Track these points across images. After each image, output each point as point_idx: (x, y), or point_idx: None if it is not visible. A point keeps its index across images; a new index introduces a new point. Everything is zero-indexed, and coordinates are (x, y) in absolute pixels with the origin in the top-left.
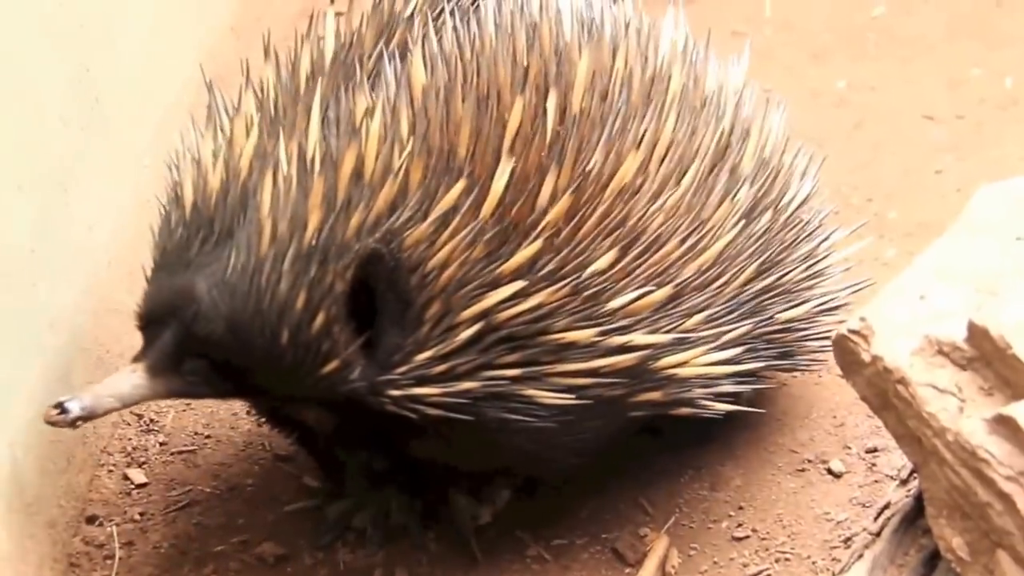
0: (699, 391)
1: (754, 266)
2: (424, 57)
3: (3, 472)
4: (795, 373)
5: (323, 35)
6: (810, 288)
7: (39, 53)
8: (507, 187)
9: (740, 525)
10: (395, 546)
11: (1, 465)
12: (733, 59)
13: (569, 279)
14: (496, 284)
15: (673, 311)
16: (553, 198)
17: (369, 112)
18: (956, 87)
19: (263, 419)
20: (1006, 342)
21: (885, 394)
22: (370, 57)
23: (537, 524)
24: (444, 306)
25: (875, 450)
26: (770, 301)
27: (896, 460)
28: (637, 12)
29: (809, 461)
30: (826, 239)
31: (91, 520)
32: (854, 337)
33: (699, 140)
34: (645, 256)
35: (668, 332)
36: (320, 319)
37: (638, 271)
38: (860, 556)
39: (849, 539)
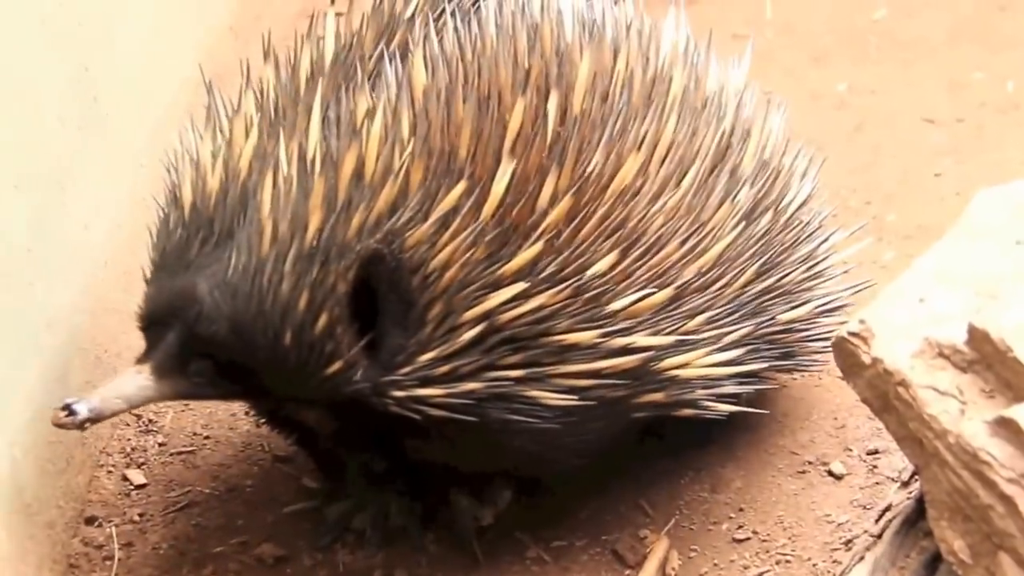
0: (701, 392)
1: (755, 267)
2: (425, 58)
3: (2, 473)
4: (796, 374)
5: (323, 35)
6: (810, 289)
7: (38, 52)
8: (507, 189)
9: (741, 527)
10: (394, 547)
11: (0, 466)
12: (734, 61)
13: (570, 281)
14: (497, 285)
15: (674, 313)
16: (554, 200)
17: (370, 113)
18: (957, 90)
19: (262, 420)
20: (1007, 345)
21: (886, 396)
22: (370, 58)
23: (537, 526)
24: (446, 307)
25: (876, 452)
26: (771, 302)
27: (897, 462)
28: (638, 13)
29: (810, 463)
30: (826, 240)
31: (90, 521)
32: (854, 339)
33: (699, 141)
34: (646, 258)
35: (670, 334)
36: (323, 320)
37: (639, 273)
38: (861, 558)
39: (850, 541)
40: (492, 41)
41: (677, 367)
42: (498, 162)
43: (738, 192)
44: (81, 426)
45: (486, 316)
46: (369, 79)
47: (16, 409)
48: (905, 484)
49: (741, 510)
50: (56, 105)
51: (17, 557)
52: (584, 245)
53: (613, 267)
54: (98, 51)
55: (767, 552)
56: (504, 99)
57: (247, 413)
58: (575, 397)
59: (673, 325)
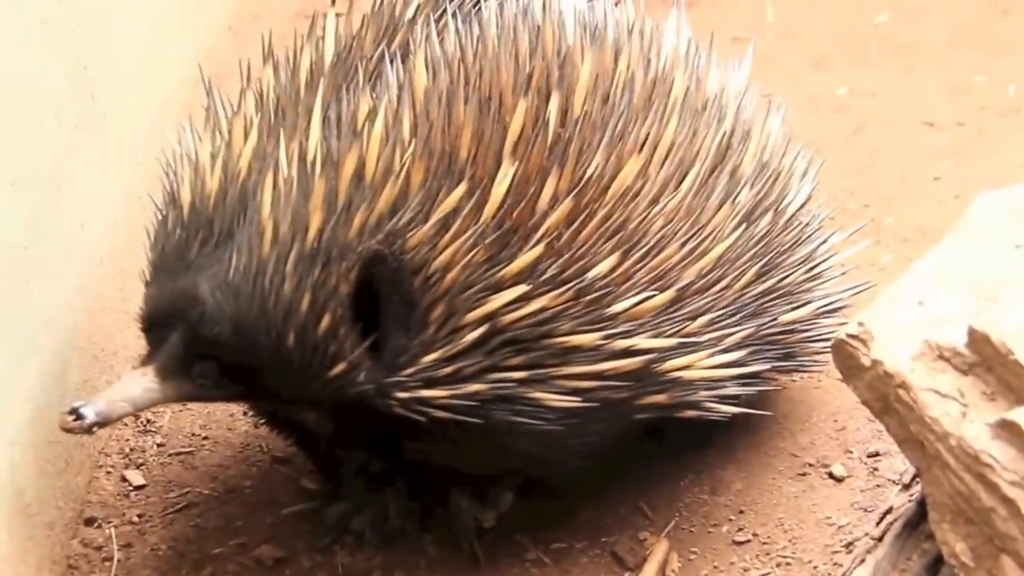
0: (704, 394)
1: (755, 269)
2: (426, 59)
3: (2, 474)
4: (796, 375)
5: (323, 36)
6: (811, 290)
7: (38, 51)
8: (508, 191)
9: (741, 529)
10: (393, 549)
11: (0, 467)
12: (734, 64)
13: (571, 283)
14: (499, 287)
15: (676, 314)
16: (554, 202)
17: (371, 114)
18: (958, 94)
19: (262, 420)
20: (1007, 348)
21: (886, 398)
22: (371, 59)
23: (536, 528)
24: (448, 308)
25: (877, 454)
26: (772, 303)
27: (898, 464)
28: (640, 15)
29: (810, 465)
30: (825, 242)
31: (89, 522)
32: (853, 342)
33: (700, 143)
34: (646, 260)
35: (671, 335)
36: (326, 321)
37: (639, 275)
38: (862, 561)
39: (851, 544)
40: (493, 43)
41: (679, 369)
42: (499, 164)
43: (738, 193)
44: (89, 430)
45: (488, 318)
46: (369, 80)
47: (15, 409)
48: (906, 486)
49: (741, 512)
50: (54, 102)
51: (17, 558)
52: (585, 247)
53: (614, 269)
54: (97, 50)
55: (767, 554)
56: (505, 101)
57: (245, 414)
58: (578, 399)
59: (675, 327)
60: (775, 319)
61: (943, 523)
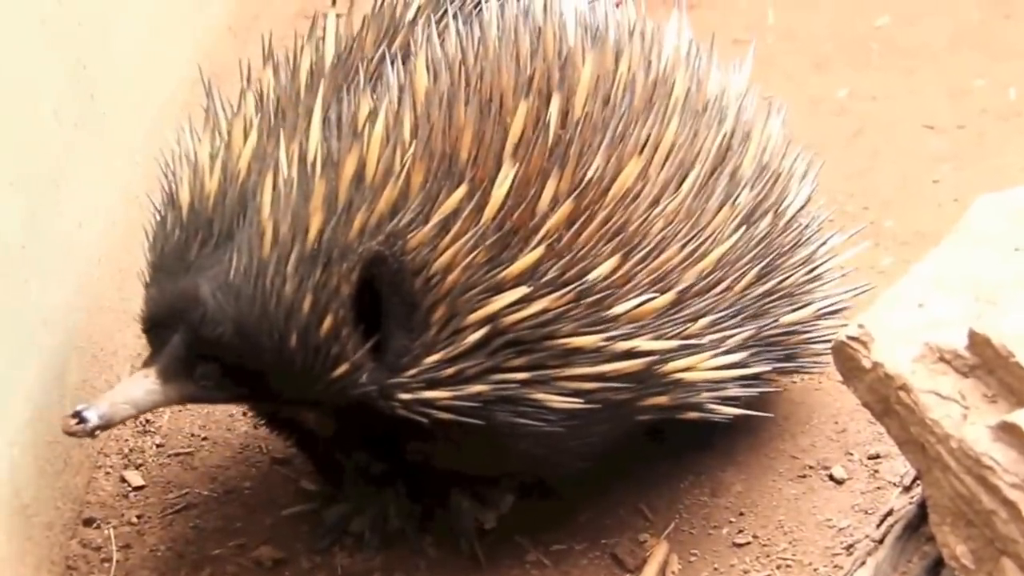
0: (706, 395)
1: (755, 270)
2: (427, 61)
3: (1, 474)
4: (797, 377)
5: (323, 36)
6: (811, 292)
7: (38, 51)
8: (508, 192)
9: (741, 531)
10: (393, 550)
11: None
12: (735, 65)
13: (572, 285)
14: (500, 289)
15: (676, 316)
16: (554, 203)
17: (371, 115)
18: (958, 97)
19: (262, 421)
20: (1008, 350)
21: (887, 400)
22: (372, 60)
23: (536, 529)
24: (450, 309)
25: (877, 456)
26: (772, 304)
27: (899, 466)
28: (640, 17)
29: (811, 467)
30: (824, 243)
31: (88, 523)
32: (854, 344)
33: (700, 144)
34: (647, 262)
35: (673, 337)
36: (328, 322)
37: (640, 276)
38: (863, 563)
39: (851, 546)
40: (494, 44)
41: (681, 370)
42: (499, 165)
43: (738, 195)
44: (92, 433)
45: (490, 319)
46: (370, 81)
47: (14, 409)
48: (907, 489)
49: (741, 514)
50: (53, 102)
51: (15, 558)
52: (585, 249)
53: (615, 271)
54: (96, 49)
55: (767, 556)
56: (506, 102)
57: (245, 414)
58: (580, 400)
59: (676, 329)
60: (776, 320)
61: (944, 525)
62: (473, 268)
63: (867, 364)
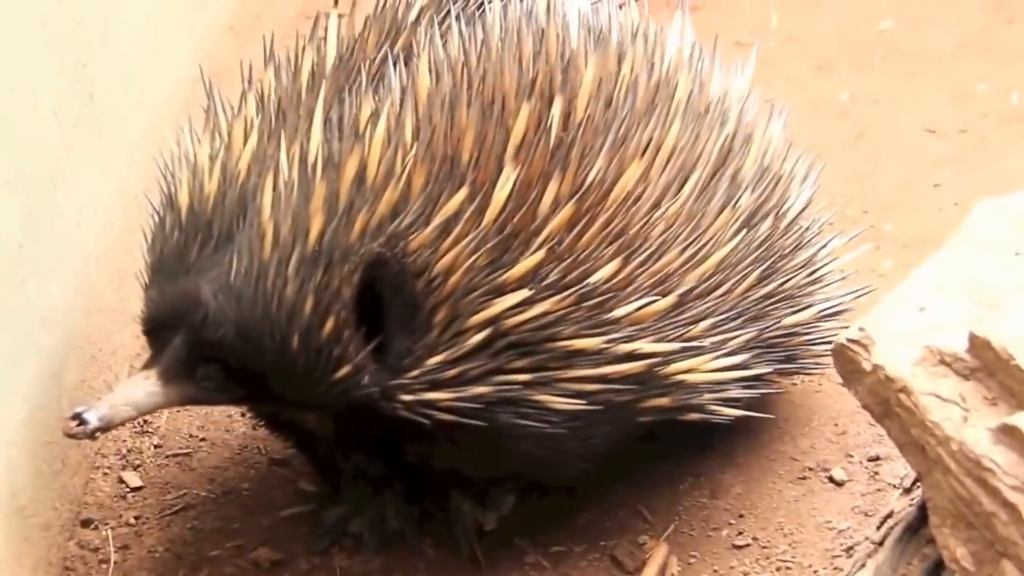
0: (707, 396)
1: (756, 273)
2: (429, 62)
3: None
4: (797, 379)
5: (325, 37)
6: (812, 294)
7: (36, 49)
8: (509, 195)
9: (741, 533)
10: (392, 551)
11: None
12: (737, 67)
13: (573, 288)
14: (501, 291)
15: (678, 319)
16: (555, 206)
17: (373, 117)
18: (961, 101)
19: (260, 422)
20: (1008, 353)
21: (887, 402)
22: (373, 61)
23: (535, 531)
24: (452, 311)
25: (877, 458)
26: (773, 307)
27: (899, 468)
28: (644, 18)
29: (810, 469)
30: (825, 246)
31: (86, 524)
32: (854, 347)
33: (702, 146)
34: (647, 264)
35: (674, 339)
36: (330, 324)
37: (641, 279)
38: (862, 565)
39: (851, 548)
40: (497, 46)
41: (683, 372)
42: (501, 168)
43: (739, 198)
44: (92, 435)
45: (492, 321)
46: (372, 82)
47: (11, 409)
48: (907, 491)
49: (741, 516)
50: (52, 101)
51: (13, 560)
52: (586, 252)
53: (616, 274)
54: (97, 48)
55: (767, 559)
56: (508, 104)
57: (243, 415)
58: (582, 401)
59: (677, 331)
60: (777, 322)
61: (944, 527)
62: (475, 270)
63: (867, 367)
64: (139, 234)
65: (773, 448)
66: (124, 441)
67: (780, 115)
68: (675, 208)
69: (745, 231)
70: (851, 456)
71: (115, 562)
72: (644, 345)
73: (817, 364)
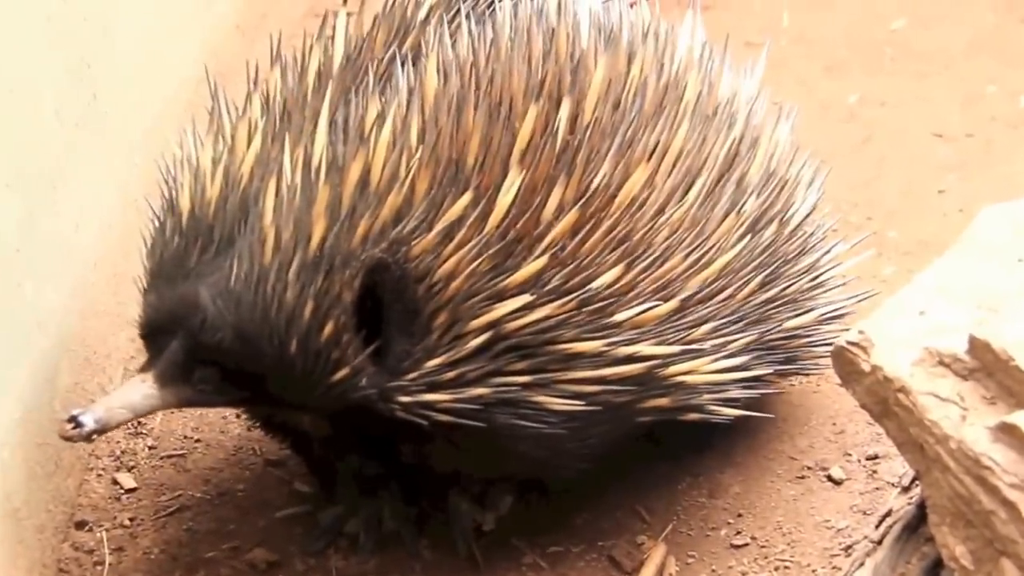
0: (707, 397)
1: (759, 278)
2: (438, 63)
3: None
4: (795, 379)
5: (333, 36)
6: (814, 298)
7: (42, 49)
8: (513, 200)
9: (739, 533)
10: (388, 552)
11: None
12: (747, 68)
13: (575, 293)
14: (502, 296)
15: (679, 322)
16: (559, 211)
17: (379, 119)
18: (969, 104)
19: (256, 424)
20: (1008, 355)
21: (885, 402)
22: (382, 60)
23: (533, 531)
24: (452, 316)
25: (876, 457)
26: (775, 310)
27: (897, 467)
28: (655, 17)
29: (809, 468)
30: (828, 252)
31: (80, 525)
32: (853, 348)
33: (708, 150)
34: (650, 270)
35: (675, 343)
36: (329, 328)
37: (643, 284)
38: (861, 564)
39: (850, 547)
40: (507, 46)
41: (683, 374)
42: (505, 172)
43: (744, 203)
44: (88, 438)
45: (492, 325)
46: (380, 82)
47: (5, 411)
48: (905, 489)
49: (740, 516)
50: (55, 101)
51: (7, 562)
52: (589, 258)
53: (618, 279)
54: (101, 47)
55: (766, 558)
56: (516, 106)
57: (238, 416)
58: (581, 402)
59: (678, 334)
60: (778, 325)
61: (943, 526)
62: (477, 276)
63: (866, 367)
64: (138, 238)
65: (771, 447)
66: (118, 442)
67: (788, 117)
68: (679, 214)
69: (749, 236)
70: (849, 455)
71: (110, 564)
72: (644, 348)
73: (816, 365)
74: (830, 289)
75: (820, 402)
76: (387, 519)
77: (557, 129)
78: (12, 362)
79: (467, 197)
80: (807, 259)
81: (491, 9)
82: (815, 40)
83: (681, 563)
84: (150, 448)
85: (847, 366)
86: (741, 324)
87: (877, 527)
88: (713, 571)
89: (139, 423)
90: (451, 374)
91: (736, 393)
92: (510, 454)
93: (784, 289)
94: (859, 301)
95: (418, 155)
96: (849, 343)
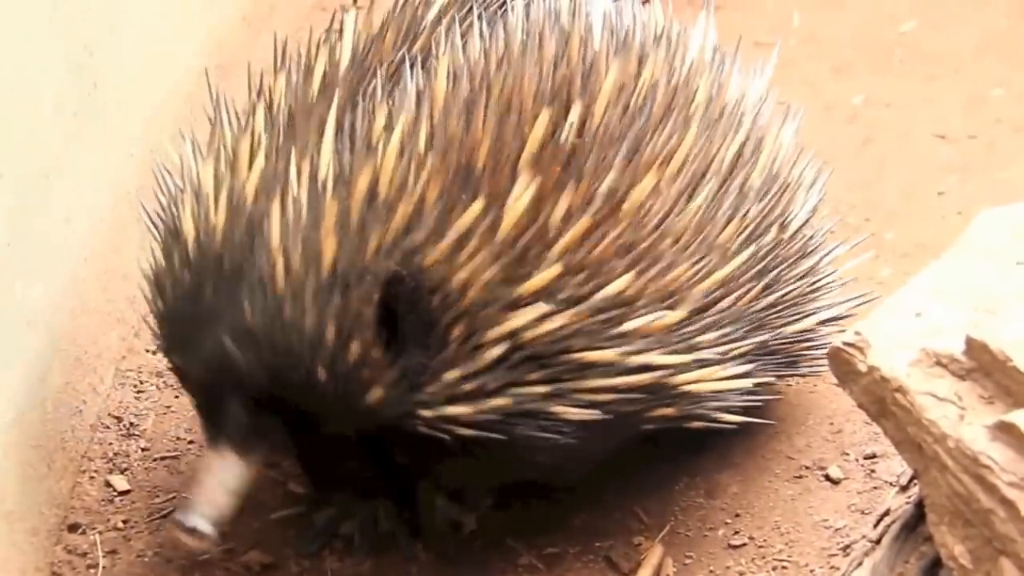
0: (712, 405)
1: (761, 283)
2: (448, 68)
3: None
4: (793, 380)
5: (341, 34)
6: (814, 300)
7: (42, 35)
8: (524, 208)
9: (737, 533)
10: (383, 554)
11: None
12: (756, 69)
13: (587, 301)
14: (517, 304)
15: (686, 330)
16: (569, 218)
17: (388, 126)
18: (974, 106)
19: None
20: (1006, 355)
21: (883, 402)
22: (391, 62)
23: (530, 532)
24: (469, 326)
25: (874, 456)
26: (776, 315)
27: (895, 466)
28: (668, 18)
29: (807, 468)
30: (828, 254)
31: (73, 528)
32: (849, 349)
33: (714, 153)
34: (658, 278)
35: (682, 351)
36: (355, 348)
37: (650, 292)
38: (859, 564)
39: (848, 546)
40: (518, 49)
41: (691, 383)
42: (515, 178)
43: (748, 209)
44: (216, 542)
45: (511, 335)
46: (388, 83)
47: None
48: (904, 488)
49: (737, 516)
50: (55, 91)
51: (0, 565)
52: (599, 265)
53: (627, 287)
54: (104, 37)
55: (764, 558)
56: (526, 111)
57: None
58: (596, 411)
59: (685, 342)
60: (780, 331)
61: (941, 525)
62: (491, 284)
63: (862, 368)
64: (129, 233)
65: (769, 447)
66: (110, 444)
67: (793, 119)
68: (685, 221)
69: (752, 242)
70: (847, 454)
71: (103, 567)
72: (655, 358)
73: (816, 368)
74: (829, 292)
75: (817, 402)
76: (382, 520)
77: (566, 134)
78: (3, 363)
79: (478, 205)
80: (807, 262)
81: (503, 9)
82: (824, 40)
83: (679, 564)
84: (143, 450)
85: (843, 367)
86: (744, 330)
87: (875, 526)
88: (711, 571)
89: (131, 424)
90: (470, 386)
91: (740, 401)
92: (523, 463)
93: (785, 294)
94: (859, 304)
95: (428, 162)
96: (845, 344)
